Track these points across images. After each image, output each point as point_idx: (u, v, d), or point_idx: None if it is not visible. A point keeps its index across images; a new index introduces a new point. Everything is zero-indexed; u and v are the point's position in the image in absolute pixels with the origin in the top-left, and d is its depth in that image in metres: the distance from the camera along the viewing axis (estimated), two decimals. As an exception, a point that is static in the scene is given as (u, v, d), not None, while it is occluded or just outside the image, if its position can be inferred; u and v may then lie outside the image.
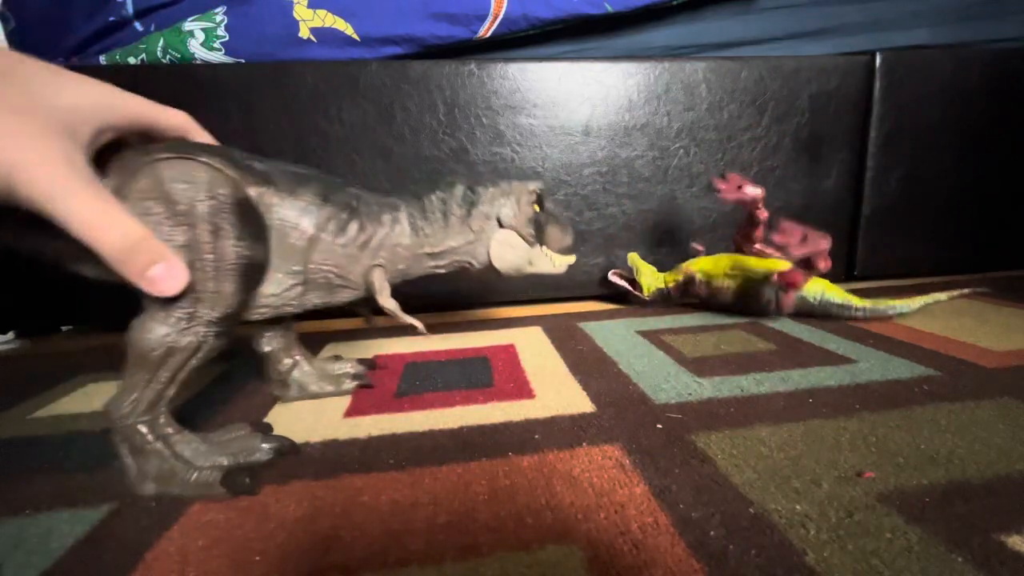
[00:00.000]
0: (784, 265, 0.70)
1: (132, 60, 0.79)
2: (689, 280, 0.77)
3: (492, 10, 0.78)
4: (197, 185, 0.35)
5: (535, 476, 0.36)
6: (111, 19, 0.80)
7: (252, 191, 0.38)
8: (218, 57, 0.78)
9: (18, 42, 0.86)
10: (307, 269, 0.41)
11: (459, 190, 0.47)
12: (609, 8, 0.79)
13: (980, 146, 0.92)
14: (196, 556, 0.30)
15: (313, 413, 0.48)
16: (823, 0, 0.86)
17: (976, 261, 0.97)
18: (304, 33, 0.78)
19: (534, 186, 0.49)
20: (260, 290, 0.40)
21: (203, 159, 0.36)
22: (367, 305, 0.48)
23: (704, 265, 0.76)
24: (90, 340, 0.81)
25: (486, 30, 0.79)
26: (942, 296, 0.70)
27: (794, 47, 0.88)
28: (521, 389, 0.52)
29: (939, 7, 0.88)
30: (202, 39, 0.77)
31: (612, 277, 0.83)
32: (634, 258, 0.83)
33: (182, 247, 0.34)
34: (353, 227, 0.43)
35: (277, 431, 0.45)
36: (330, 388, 0.51)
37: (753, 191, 0.72)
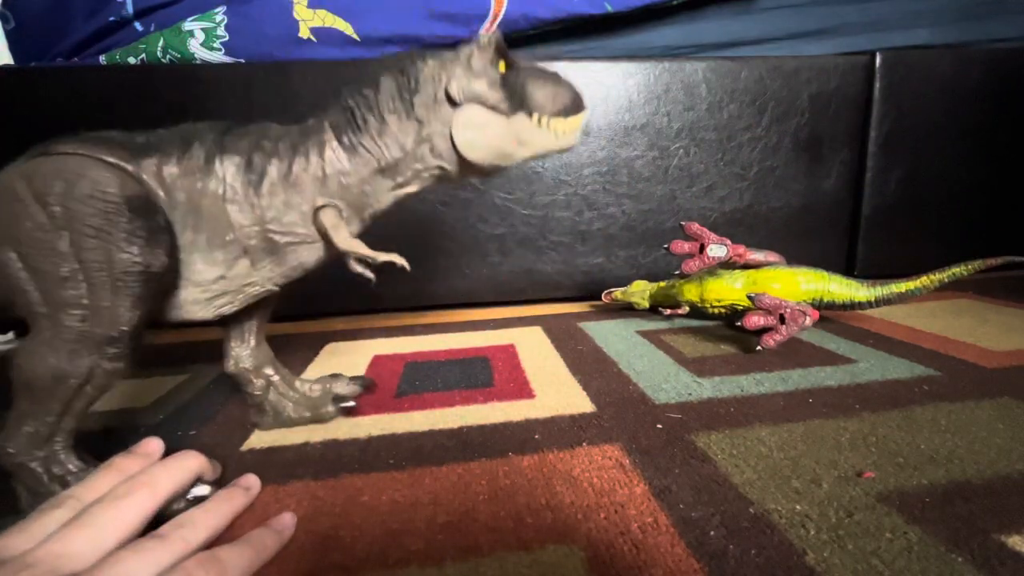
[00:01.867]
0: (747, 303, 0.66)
1: (132, 60, 0.79)
2: (678, 305, 0.75)
3: (492, 10, 0.78)
4: (77, 184, 0.30)
5: (535, 476, 0.36)
6: (111, 19, 0.80)
7: (146, 170, 0.33)
8: (218, 57, 0.78)
9: (18, 42, 0.86)
10: (239, 235, 0.35)
11: (387, 81, 0.35)
12: (609, 8, 0.79)
13: (980, 146, 0.92)
14: (196, 556, 0.30)
15: (313, 413, 0.48)
16: (823, 0, 0.86)
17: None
18: (304, 33, 0.78)
19: (487, 39, 0.35)
20: (204, 278, 0.35)
21: (81, 152, 0.31)
22: (360, 264, 0.38)
23: (692, 296, 0.72)
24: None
25: (486, 30, 0.79)
26: (962, 269, 0.63)
27: (794, 47, 0.88)
28: (521, 389, 0.52)
29: (939, 7, 0.88)
30: (202, 39, 0.77)
31: (605, 299, 0.82)
32: (625, 292, 0.80)
33: (64, 256, 0.29)
34: (272, 169, 0.35)
35: (274, 433, 0.45)
36: (307, 415, 0.45)
37: (717, 252, 0.65)
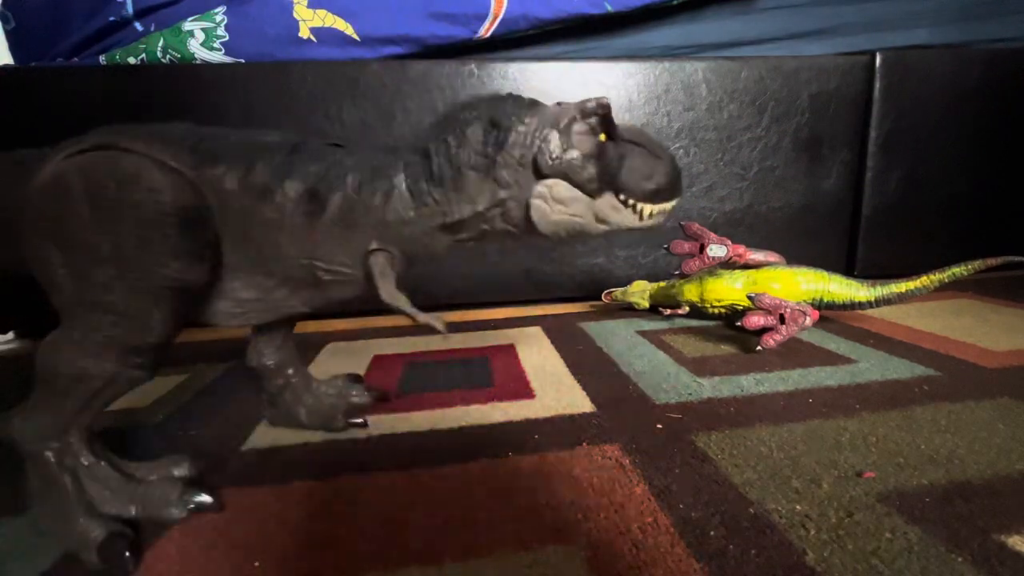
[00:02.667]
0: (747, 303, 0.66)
1: (132, 60, 0.79)
2: (678, 305, 0.74)
3: (492, 10, 0.78)
4: (126, 186, 0.29)
5: (535, 476, 0.36)
6: (111, 19, 0.80)
7: (207, 180, 0.31)
8: (218, 57, 0.78)
9: (18, 42, 0.86)
10: (285, 266, 0.34)
11: (475, 131, 0.32)
12: (609, 8, 0.79)
13: (980, 146, 0.92)
14: (196, 556, 0.30)
15: (313, 413, 0.48)
16: (823, 0, 0.86)
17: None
18: (304, 33, 0.78)
19: (592, 103, 0.31)
20: (241, 296, 0.34)
21: (143, 151, 0.30)
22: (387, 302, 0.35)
23: (692, 296, 0.71)
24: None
25: (486, 30, 0.79)
26: (962, 269, 0.62)
27: (794, 47, 0.88)
28: (521, 389, 0.52)
29: (939, 7, 0.88)
30: (202, 39, 0.77)
31: (605, 299, 0.81)
32: (625, 292, 0.80)
33: (105, 260, 0.28)
34: (334, 204, 0.33)
35: (275, 432, 0.45)
36: (317, 424, 0.44)
37: (717, 252, 0.65)
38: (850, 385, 0.49)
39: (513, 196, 0.33)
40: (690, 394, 0.49)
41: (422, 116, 0.78)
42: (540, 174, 0.32)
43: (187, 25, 0.78)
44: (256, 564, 0.29)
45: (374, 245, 0.34)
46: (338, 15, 0.78)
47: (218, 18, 0.78)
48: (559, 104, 0.33)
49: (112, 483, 0.32)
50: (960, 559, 0.27)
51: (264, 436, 0.44)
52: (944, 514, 0.30)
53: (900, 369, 0.53)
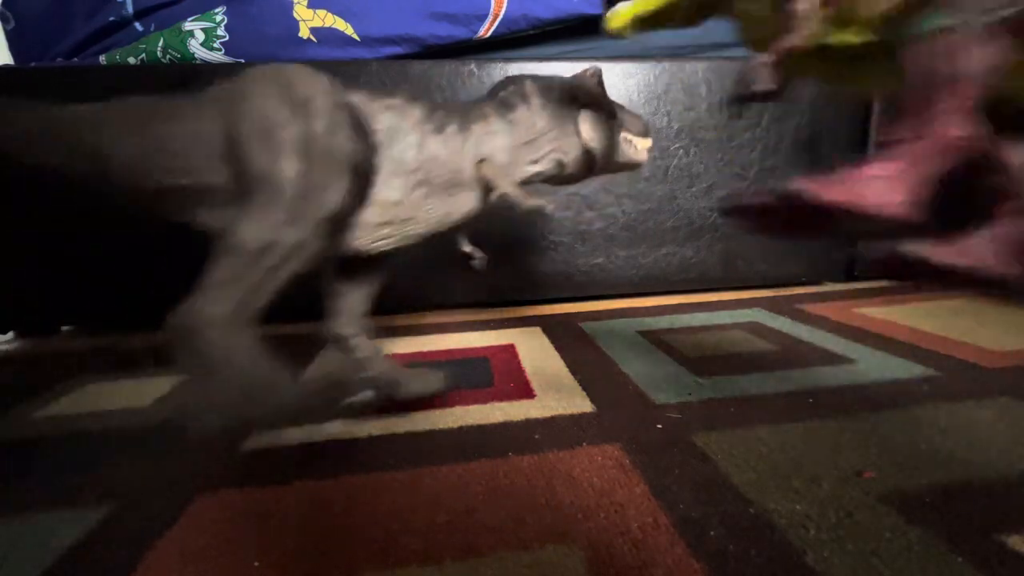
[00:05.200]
0: None
1: (132, 60, 0.79)
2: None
3: (492, 10, 0.78)
4: (314, 83, 0.35)
5: (535, 476, 0.36)
6: (111, 19, 0.80)
7: (356, 97, 0.39)
8: (218, 57, 0.78)
9: (18, 42, 0.86)
10: (422, 166, 0.40)
11: (527, 82, 0.46)
12: (609, 8, 0.79)
13: (980, 146, 0.92)
14: (196, 556, 0.30)
15: (313, 413, 0.48)
16: (823, 0, 0.86)
17: (976, 261, 0.97)
18: (304, 33, 0.78)
19: (594, 69, 0.48)
20: (384, 198, 0.39)
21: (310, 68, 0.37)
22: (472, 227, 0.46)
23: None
24: (90, 340, 0.81)
25: (486, 30, 0.79)
26: None
27: (794, 47, 0.88)
28: (521, 389, 0.52)
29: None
30: (202, 39, 0.77)
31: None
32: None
33: (296, 136, 0.33)
34: (451, 123, 0.42)
35: (275, 432, 0.45)
36: (417, 387, 0.47)
37: None
38: (850, 385, 0.49)
39: (565, 125, 0.46)
40: (690, 394, 0.49)
41: (422, 116, 0.78)
42: (579, 104, 0.47)
43: (187, 25, 0.78)
44: (256, 564, 0.29)
45: (482, 155, 0.43)
46: (338, 15, 0.78)
47: (218, 18, 0.78)
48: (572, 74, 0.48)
49: (282, 375, 0.33)
50: (960, 559, 0.27)
51: (264, 436, 0.44)
52: (944, 514, 0.30)
53: (900, 369, 0.53)
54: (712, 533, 0.29)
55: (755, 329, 0.69)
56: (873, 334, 0.65)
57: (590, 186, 0.84)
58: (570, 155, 0.47)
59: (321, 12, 0.77)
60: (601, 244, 0.87)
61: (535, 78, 0.47)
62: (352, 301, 0.45)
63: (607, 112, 0.47)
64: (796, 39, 0.28)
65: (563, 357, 0.61)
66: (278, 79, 0.35)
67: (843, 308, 0.77)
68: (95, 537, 0.32)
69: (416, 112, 0.41)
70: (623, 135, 0.49)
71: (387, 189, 0.39)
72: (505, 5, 0.77)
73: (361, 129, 0.37)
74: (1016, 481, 0.33)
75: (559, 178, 0.49)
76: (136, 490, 0.37)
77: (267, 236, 0.31)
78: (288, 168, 0.32)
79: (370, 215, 0.39)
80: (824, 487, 0.33)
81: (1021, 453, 0.36)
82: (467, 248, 0.47)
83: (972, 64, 0.23)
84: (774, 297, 0.86)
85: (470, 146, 0.42)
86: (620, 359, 0.59)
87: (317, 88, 0.35)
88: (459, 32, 0.79)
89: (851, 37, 0.27)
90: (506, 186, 0.42)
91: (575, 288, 0.88)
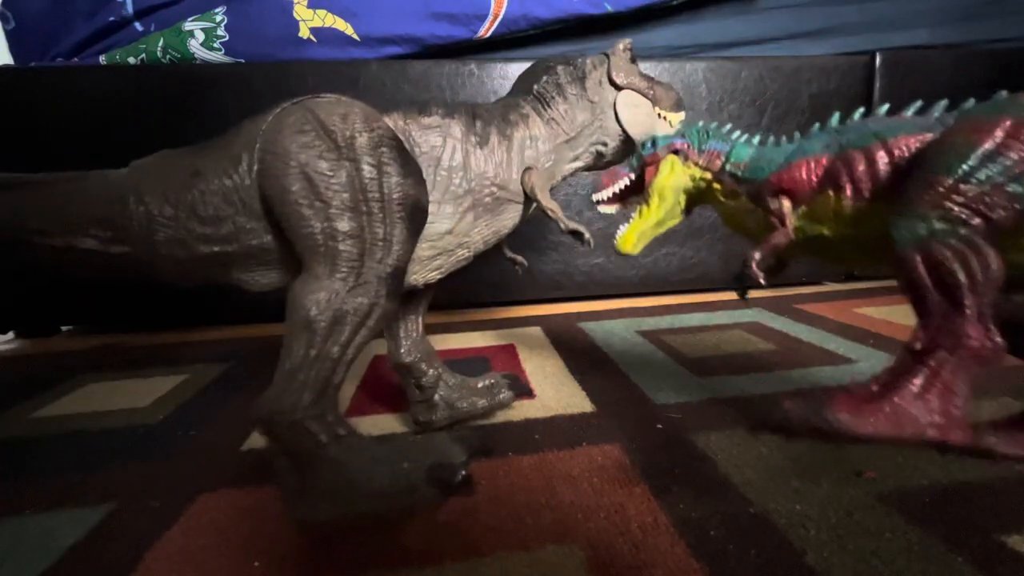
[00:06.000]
0: None
1: (132, 60, 0.79)
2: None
3: (492, 10, 0.78)
4: (353, 117, 0.32)
5: (535, 476, 0.36)
6: (111, 19, 0.80)
7: (392, 123, 0.36)
8: (218, 57, 0.78)
9: (18, 42, 0.86)
10: (471, 188, 0.38)
11: (562, 69, 0.43)
12: (609, 8, 0.79)
13: (980, 146, 0.92)
14: (196, 556, 0.30)
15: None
16: (823, 0, 0.86)
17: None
18: (304, 33, 0.78)
19: (625, 42, 0.45)
20: (434, 230, 0.37)
21: (347, 99, 0.34)
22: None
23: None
24: (90, 340, 0.81)
25: (486, 30, 0.79)
26: None
27: (794, 47, 0.88)
28: (521, 389, 0.52)
29: (939, 7, 0.88)
30: (202, 39, 0.77)
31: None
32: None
33: (345, 186, 0.31)
34: (492, 133, 0.39)
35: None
36: (483, 403, 0.44)
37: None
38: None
39: (603, 109, 0.43)
40: (690, 394, 0.49)
41: (422, 116, 0.78)
42: (616, 87, 0.44)
43: (187, 25, 0.78)
44: (256, 564, 0.29)
45: (528, 163, 0.41)
46: (338, 15, 0.78)
47: (218, 18, 0.78)
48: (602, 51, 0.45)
49: (376, 450, 0.32)
50: (960, 559, 0.27)
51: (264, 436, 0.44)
52: (944, 514, 0.30)
53: (900, 369, 0.53)
54: (712, 533, 0.29)
55: (755, 329, 0.69)
56: (873, 334, 0.65)
57: (590, 186, 0.84)
58: (610, 145, 0.44)
59: (321, 12, 0.77)
60: (601, 244, 0.87)
61: (567, 62, 0.43)
62: (407, 326, 0.44)
63: (642, 91, 0.44)
64: (781, 237, 0.34)
65: (563, 357, 0.61)
66: (309, 121, 0.31)
67: (843, 308, 0.77)
68: (95, 537, 0.32)
69: (457, 128, 0.38)
70: (656, 112, 0.45)
71: (438, 220, 0.37)
72: (505, 5, 0.77)
73: (409, 160, 0.34)
74: (1016, 481, 0.33)
75: (594, 167, 0.47)
76: (136, 490, 0.37)
77: (334, 307, 0.29)
78: (342, 226, 0.30)
79: (422, 250, 0.37)
80: (824, 487, 0.33)
81: (1021, 453, 0.36)
82: (510, 254, 0.46)
83: (977, 269, 0.24)
84: (774, 297, 0.86)
85: (515, 155, 0.40)
86: (620, 359, 0.59)
87: (355, 125, 0.32)
88: (459, 32, 0.79)
89: (825, 230, 0.33)
90: (548, 201, 0.40)
91: (575, 288, 0.88)
